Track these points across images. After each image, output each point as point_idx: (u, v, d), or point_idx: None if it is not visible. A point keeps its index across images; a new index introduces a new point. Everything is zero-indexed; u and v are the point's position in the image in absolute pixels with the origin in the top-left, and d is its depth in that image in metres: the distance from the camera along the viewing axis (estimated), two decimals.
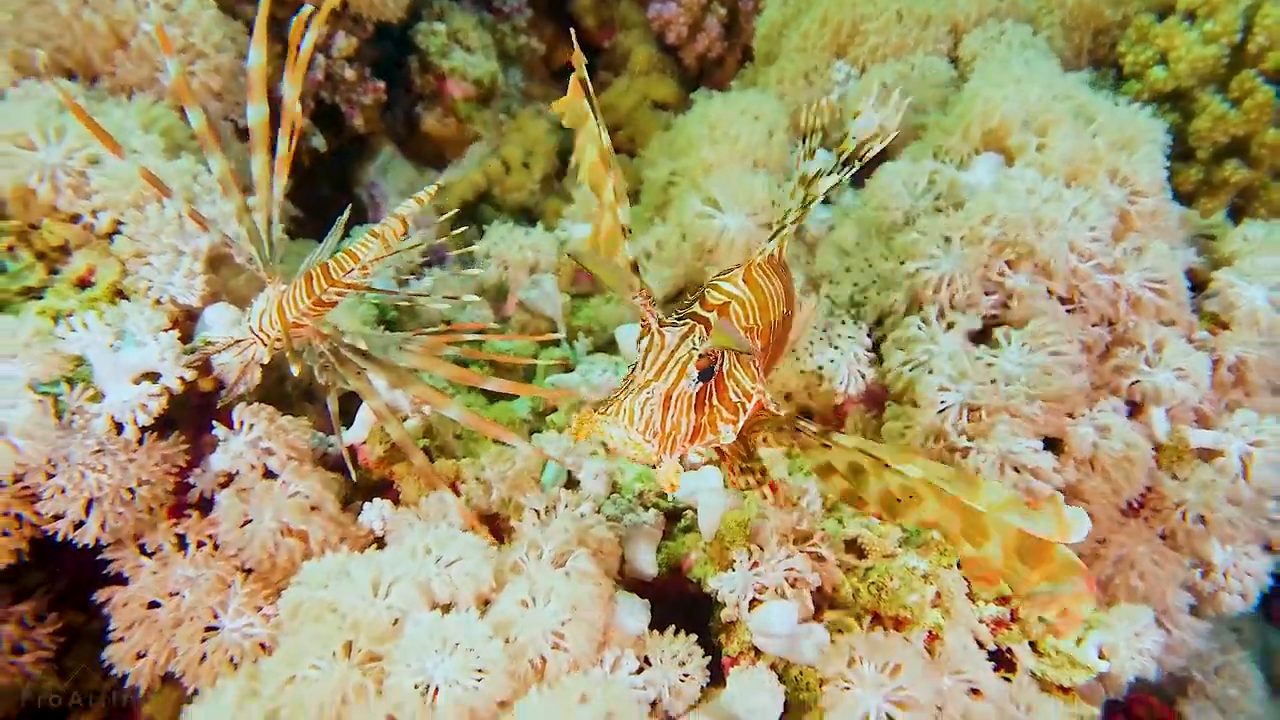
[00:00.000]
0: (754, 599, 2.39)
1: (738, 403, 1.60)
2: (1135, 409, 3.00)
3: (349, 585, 2.19)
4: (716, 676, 2.37)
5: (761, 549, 2.43)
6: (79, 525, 2.36)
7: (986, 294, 3.03)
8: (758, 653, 2.39)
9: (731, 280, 1.69)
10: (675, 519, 2.78)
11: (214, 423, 2.55)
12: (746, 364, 1.60)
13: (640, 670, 2.25)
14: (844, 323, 3.12)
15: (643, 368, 1.52)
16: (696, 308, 1.62)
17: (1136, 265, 3.01)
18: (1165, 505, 2.89)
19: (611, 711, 2.03)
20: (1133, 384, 2.98)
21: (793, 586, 2.43)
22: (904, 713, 2.17)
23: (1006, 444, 2.77)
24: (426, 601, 2.16)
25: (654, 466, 1.61)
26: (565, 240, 3.94)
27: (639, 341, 1.57)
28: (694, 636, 2.32)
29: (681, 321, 1.56)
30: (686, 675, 2.26)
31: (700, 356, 1.51)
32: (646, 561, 2.61)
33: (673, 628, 2.31)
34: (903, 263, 3.16)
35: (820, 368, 3.10)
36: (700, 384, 1.53)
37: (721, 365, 1.55)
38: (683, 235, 3.57)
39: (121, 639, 2.44)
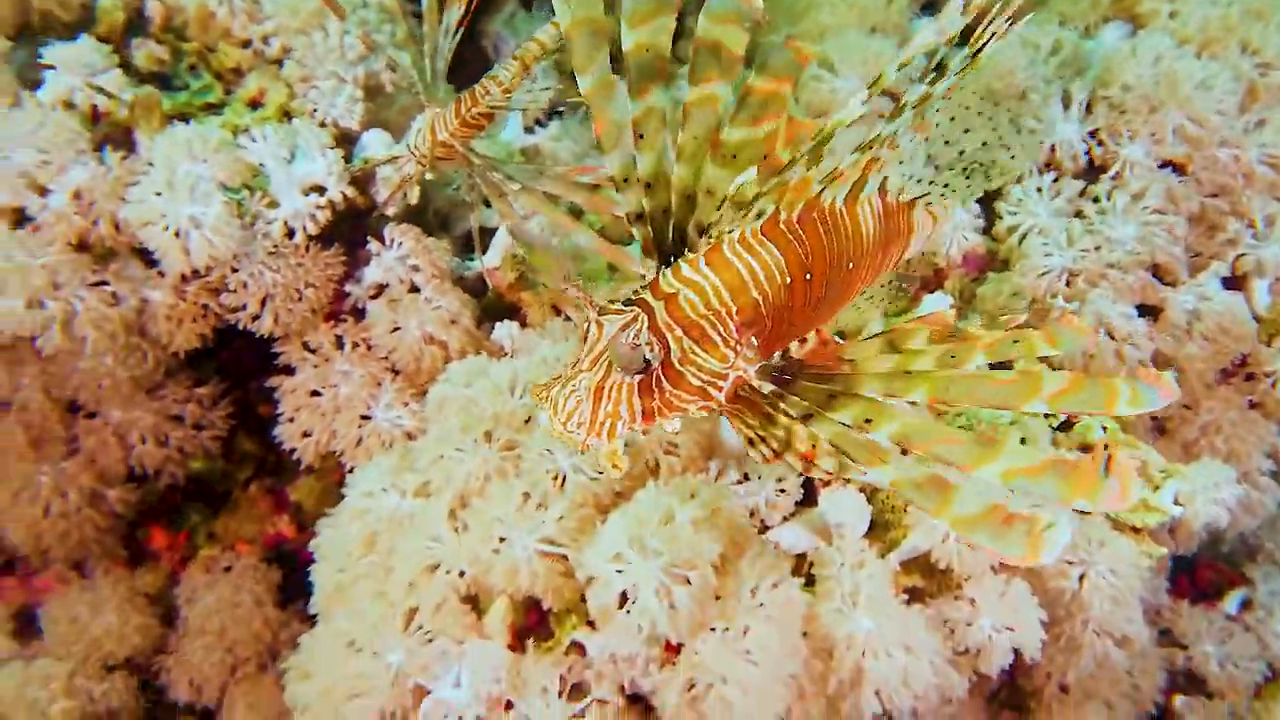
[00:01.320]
0: None
1: (702, 386, 1.58)
2: (1238, 282, 3.06)
3: (488, 383, 2.46)
4: (809, 500, 2.60)
5: None
6: (256, 318, 2.68)
7: (1102, 162, 3.08)
8: (846, 480, 2.61)
9: (692, 264, 1.58)
10: None
11: (368, 238, 2.83)
12: (711, 346, 1.55)
13: (740, 482, 2.50)
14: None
15: (581, 356, 1.54)
16: (646, 294, 1.56)
17: (1256, 139, 3.02)
18: (1259, 374, 2.98)
19: (716, 509, 2.28)
20: (1239, 257, 3.03)
21: None
22: None
23: (1103, 308, 2.88)
24: None
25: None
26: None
27: (582, 329, 1.57)
28: None
29: (629, 306, 1.54)
30: (783, 491, 2.50)
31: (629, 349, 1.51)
32: None
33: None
34: (1019, 130, 3.21)
35: None
36: (640, 375, 1.53)
37: (669, 354, 1.54)
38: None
39: (291, 420, 2.79)
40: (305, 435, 2.79)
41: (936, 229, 1.91)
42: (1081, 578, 2.49)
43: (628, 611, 2.01)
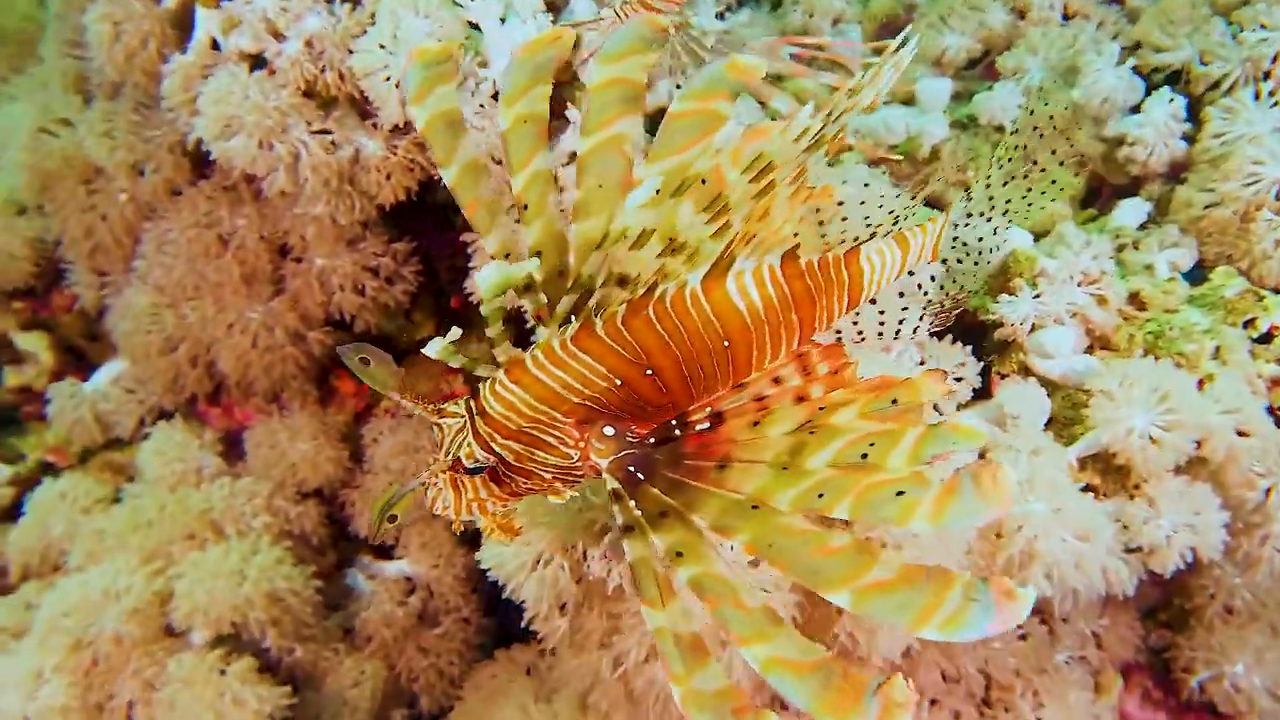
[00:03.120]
0: (1034, 325, 2.57)
1: (555, 478, 1.58)
2: None
3: None
4: (983, 395, 2.60)
5: (1049, 281, 2.59)
6: None
7: None
8: (1028, 373, 2.60)
9: (505, 377, 1.53)
10: None
11: (567, 106, 2.92)
12: (547, 448, 1.53)
13: (921, 364, 2.52)
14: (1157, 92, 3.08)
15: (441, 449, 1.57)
16: (485, 394, 1.53)
17: None
18: None
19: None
20: None
21: (1072, 318, 2.60)
22: (1169, 434, 2.34)
23: None
24: None
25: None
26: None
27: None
28: (969, 347, 2.55)
29: (463, 409, 1.55)
30: (960, 379, 2.52)
31: (455, 461, 1.53)
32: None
33: (950, 335, 2.55)
34: (1236, 34, 3.05)
35: (1125, 134, 3.10)
36: (478, 474, 1.55)
37: (501, 459, 1.54)
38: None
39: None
40: None
41: (918, 251, 1.74)
42: (1269, 491, 2.43)
43: None
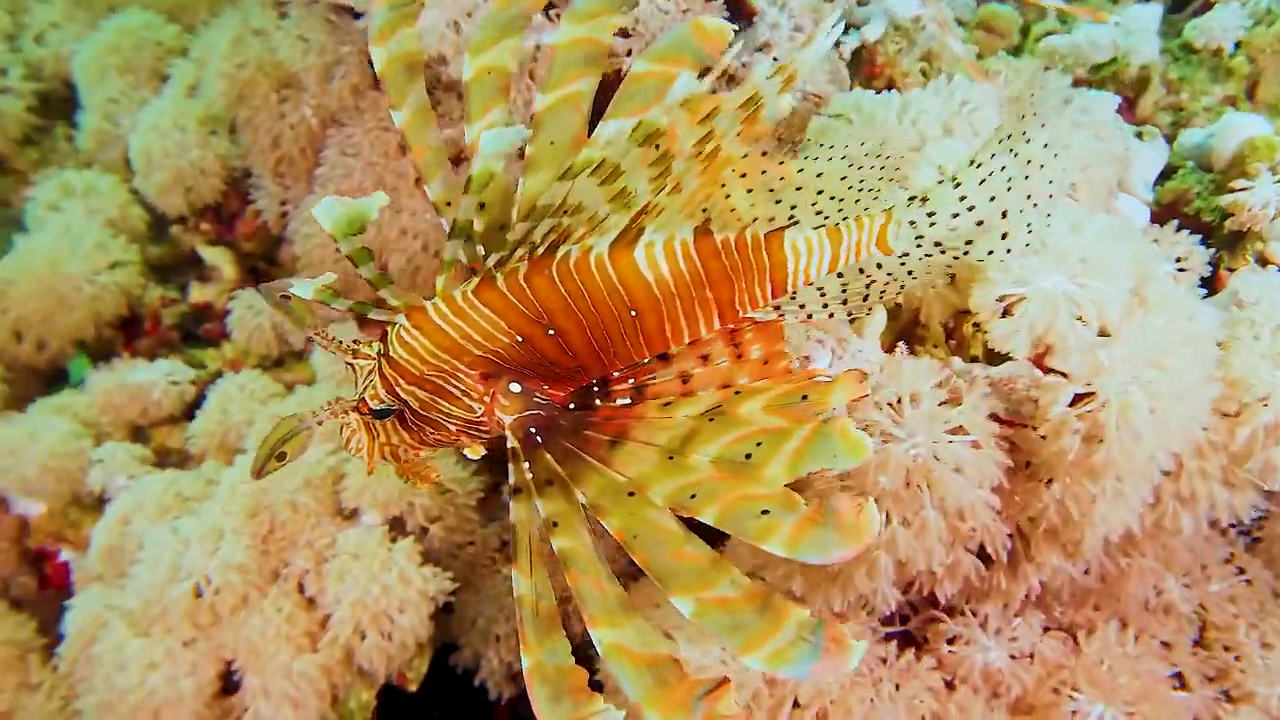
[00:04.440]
0: (1277, 211, 2.33)
1: (460, 430, 1.57)
2: None
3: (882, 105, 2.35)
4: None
5: None
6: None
7: None
8: (1265, 264, 2.36)
9: (405, 326, 1.50)
10: None
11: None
12: (451, 399, 1.52)
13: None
14: None
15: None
16: (391, 338, 1.51)
17: None
18: None
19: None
20: None
21: None
22: None
23: None
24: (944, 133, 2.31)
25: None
26: None
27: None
28: (1197, 237, 2.33)
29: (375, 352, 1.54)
30: (1183, 270, 2.31)
31: (360, 402, 1.53)
32: (1142, 185, 2.62)
33: (1174, 223, 2.34)
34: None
35: None
36: (386, 417, 1.54)
37: (406, 406, 1.52)
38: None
39: None
40: None
41: (851, 247, 1.57)
42: None
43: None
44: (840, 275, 1.62)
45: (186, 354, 3.91)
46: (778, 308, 1.60)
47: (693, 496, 1.30)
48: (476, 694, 2.99)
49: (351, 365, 1.53)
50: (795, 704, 2.17)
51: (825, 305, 1.63)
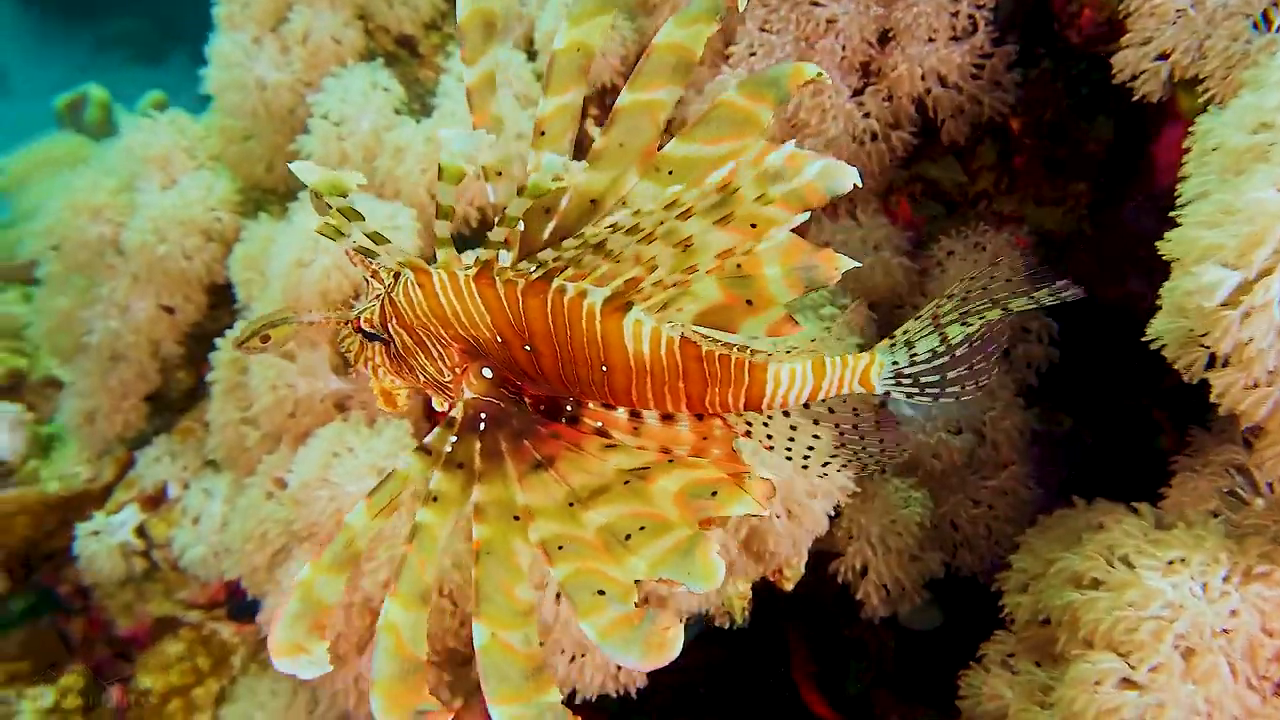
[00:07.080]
0: None
1: (430, 383, 1.62)
2: None
3: None
4: None
5: None
6: None
7: None
8: None
9: (413, 281, 1.56)
10: None
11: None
12: (428, 357, 1.58)
13: None
14: None
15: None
16: (399, 282, 1.56)
17: None
18: None
19: None
20: None
21: None
22: None
23: None
24: None
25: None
26: None
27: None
28: None
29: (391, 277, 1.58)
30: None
31: (358, 316, 1.60)
32: None
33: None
34: None
35: None
36: (376, 341, 1.60)
37: (393, 341, 1.59)
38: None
39: None
40: None
41: (833, 382, 1.51)
42: None
43: None
44: (816, 423, 1.60)
45: None
46: (749, 422, 1.60)
47: (560, 548, 1.35)
48: None
49: (367, 281, 1.60)
50: None
51: (788, 450, 1.60)
